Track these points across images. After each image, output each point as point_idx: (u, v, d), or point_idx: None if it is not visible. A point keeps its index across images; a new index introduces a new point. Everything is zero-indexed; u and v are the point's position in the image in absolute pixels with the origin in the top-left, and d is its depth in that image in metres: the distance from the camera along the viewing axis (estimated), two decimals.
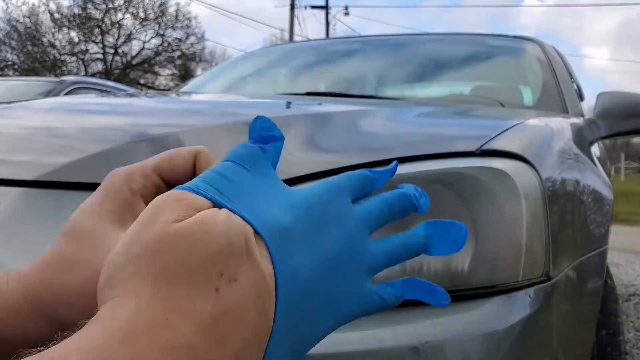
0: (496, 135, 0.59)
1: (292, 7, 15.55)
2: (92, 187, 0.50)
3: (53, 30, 17.60)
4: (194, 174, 0.28)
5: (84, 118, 0.78)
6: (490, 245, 0.49)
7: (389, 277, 0.46)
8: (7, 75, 15.66)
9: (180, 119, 0.76)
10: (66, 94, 3.70)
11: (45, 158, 0.54)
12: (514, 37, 1.71)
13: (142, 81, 18.82)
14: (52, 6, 17.69)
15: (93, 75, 16.73)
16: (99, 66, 18.53)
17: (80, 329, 0.17)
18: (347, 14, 17.17)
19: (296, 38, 15.60)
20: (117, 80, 15.00)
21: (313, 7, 17.22)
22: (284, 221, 0.21)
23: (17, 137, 0.62)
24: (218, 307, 0.18)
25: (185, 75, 18.17)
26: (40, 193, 0.49)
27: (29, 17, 17.22)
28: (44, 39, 17.47)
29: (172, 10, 18.50)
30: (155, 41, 18.72)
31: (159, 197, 0.20)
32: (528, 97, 1.42)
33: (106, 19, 17.97)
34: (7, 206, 0.48)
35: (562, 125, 0.83)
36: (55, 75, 14.30)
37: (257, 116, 0.25)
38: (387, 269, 0.46)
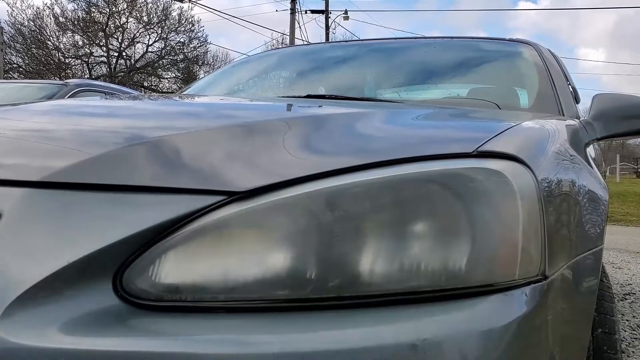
0: (492, 137, 0.60)
1: (293, 11, 15.60)
2: (97, 188, 0.51)
3: (57, 33, 17.70)
4: None
5: (87, 120, 0.80)
6: (487, 244, 0.49)
7: (388, 275, 0.47)
8: (13, 77, 15.75)
9: (180, 122, 0.77)
10: (70, 96, 3.73)
11: (49, 159, 0.55)
12: (510, 40, 1.72)
13: (145, 84, 18.89)
14: (57, 10, 17.79)
15: (97, 78, 16.81)
16: (103, 69, 18.62)
17: None
18: (346, 18, 17.19)
19: (297, 42, 15.63)
20: (121, 83, 15.06)
21: (313, 11, 17.26)
22: None
23: (20, 139, 0.64)
24: None
25: (188, 78, 18.24)
26: (46, 194, 0.50)
27: (33, 21, 17.33)
28: (49, 42, 17.56)
29: (175, 14, 18.59)
30: (159, 45, 18.80)
31: None
32: (524, 99, 1.42)
33: (110, 23, 18.06)
34: (12, 207, 0.49)
35: (557, 127, 0.84)
36: (60, 78, 14.38)
37: None
38: (386, 267, 0.47)
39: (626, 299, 2.71)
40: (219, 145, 0.59)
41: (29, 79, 14.14)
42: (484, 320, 0.46)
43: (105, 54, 18.37)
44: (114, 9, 17.78)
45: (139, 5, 18.01)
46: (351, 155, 0.56)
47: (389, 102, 1.30)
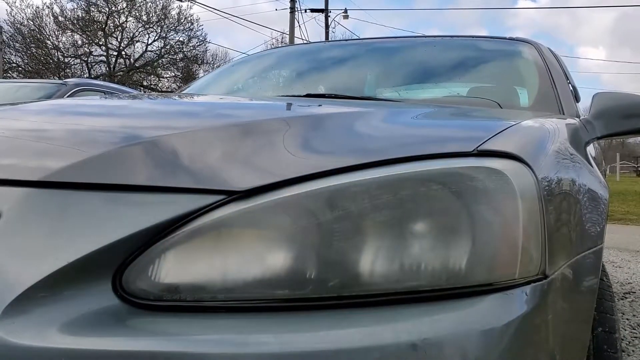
0: (493, 136, 0.60)
1: (292, 10, 15.61)
2: (96, 187, 0.51)
3: (57, 32, 17.70)
4: None
5: (86, 120, 0.80)
6: (487, 243, 0.49)
7: (388, 275, 0.47)
8: (12, 77, 15.75)
9: (179, 121, 0.77)
10: (69, 95, 3.72)
11: (48, 159, 0.55)
12: (510, 39, 1.73)
13: (145, 83, 18.89)
14: (56, 9, 17.78)
15: (96, 77, 16.81)
16: (102, 68, 18.62)
17: None
18: (346, 17, 17.20)
19: (297, 41, 15.63)
20: (120, 82, 15.05)
21: (312, 10, 17.27)
22: None
23: (19, 138, 0.63)
24: None
25: (187, 77, 18.24)
26: (45, 193, 0.50)
27: (32, 20, 17.32)
28: (48, 42, 17.55)
29: (174, 13, 18.58)
30: (158, 44, 18.80)
31: None
32: (524, 98, 1.43)
33: (109, 22, 18.05)
34: (11, 207, 0.49)
35: (557, 126, 0.84)
36: (59, 78, 14.38)
37: None
38: (386, 266, 0.47)
39: (626, 297, 2.72)
40: (218, 144, 0.59)
41: (28, 78, 14.14)
42: (485, 319, 0.46)
43: (105, 53, 18.36)
44: (113, 8, 17.77)
45: (138, 5, 18.00)
46: (350, 155, 0.56)
47: (389, 101, 1.30)
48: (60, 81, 4.17)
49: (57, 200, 0.49)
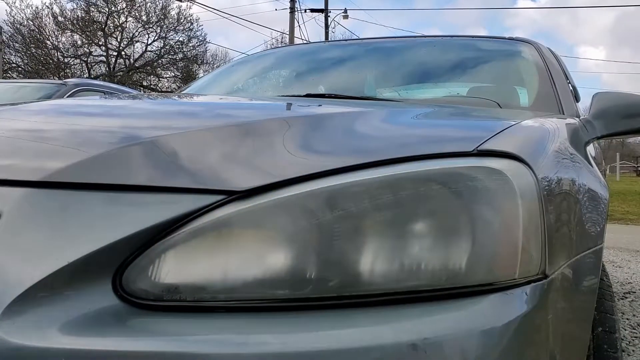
0: (493, 136, 0.60)
1: (292, 10, 15.63)
2: (96, 187, 0.51)
3: (56, 33, 17.70)
4: None
5: (86, 120, 0.80)
6: (487, 243, 0.49)
7: (388, 275, 0.47)
8: (12, 77, 15.75)
9: (178, 121, 0.77)
10: (69, 96, 3.73)
11: (48, 159, 0.55)
12: (510, 38, 1.73)
13: (145, 83, 18.89)
14: (56, 9, 17.78)
15: (96, 77, 16.81)
16: (102, 68, 18.62)
17: None
18: (346, 17, 17.23)
19: (297, 41, 15.65)
20: (120, 82, 15.06)
21: (312, 10, 17.30)
22: None
23: (19, 139, 0.63)
24: None
25: (187, 77, 18.24)
26: (45, 194, 0.50)
27: (32, 21, 17.32)
28: (48, 42, 17.55)
29: (173, 13, 18.60)
30: (158, 44, 18.81)
31: None
32: (524, 98, 1.43)
33: (109, 22, 18.06)
34: (12, 207, 0.49)
35: (557, 126, 0.84)
36: (59, 78, 14.38)
37: None
38: (386, 266, 0.47)
39: (626, 297, 2.72)
40: (218, 144, 0.59)
41: (28, 78, 14.15)
42: (485, 319, 0.46)
43: (104, 54, 18.37)
44: (112, 9, 17.78)
45: (137, 5, 18.01)
46: (350, 155, 0.56)
47: (389, 101, 1.30)
48: (60, 81, 4.17)
49: (57, 200, 0.49)
